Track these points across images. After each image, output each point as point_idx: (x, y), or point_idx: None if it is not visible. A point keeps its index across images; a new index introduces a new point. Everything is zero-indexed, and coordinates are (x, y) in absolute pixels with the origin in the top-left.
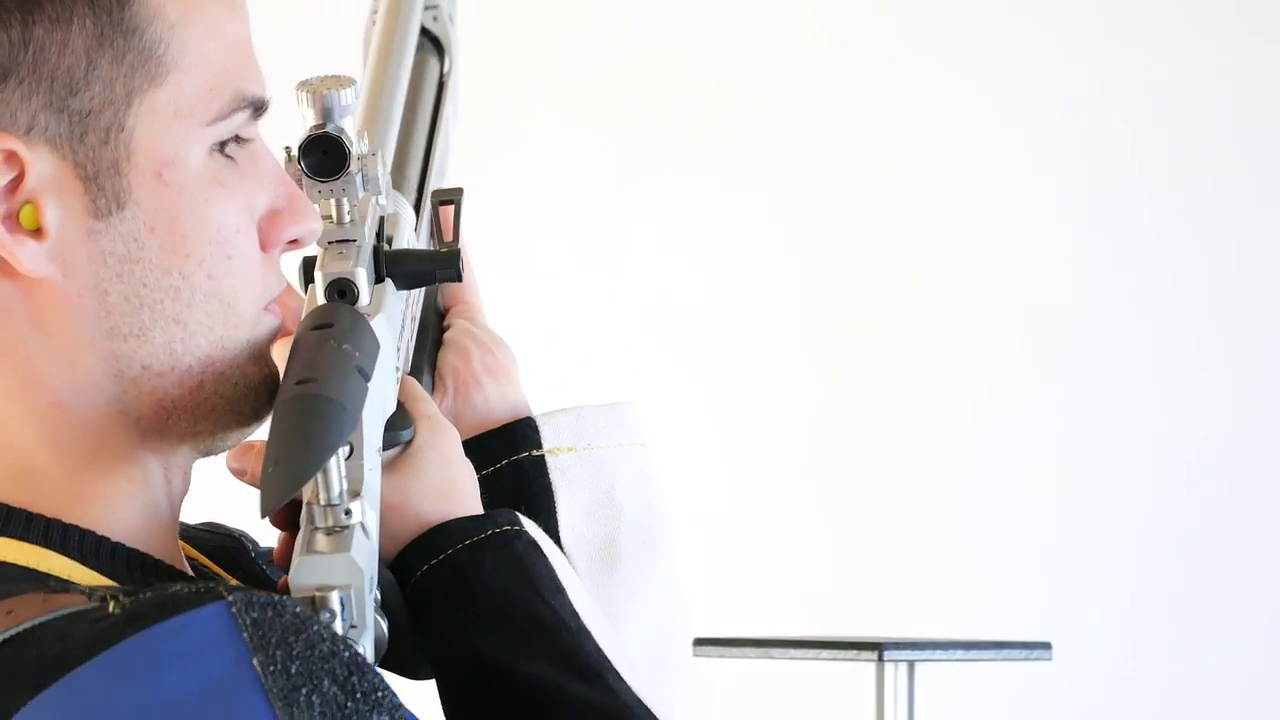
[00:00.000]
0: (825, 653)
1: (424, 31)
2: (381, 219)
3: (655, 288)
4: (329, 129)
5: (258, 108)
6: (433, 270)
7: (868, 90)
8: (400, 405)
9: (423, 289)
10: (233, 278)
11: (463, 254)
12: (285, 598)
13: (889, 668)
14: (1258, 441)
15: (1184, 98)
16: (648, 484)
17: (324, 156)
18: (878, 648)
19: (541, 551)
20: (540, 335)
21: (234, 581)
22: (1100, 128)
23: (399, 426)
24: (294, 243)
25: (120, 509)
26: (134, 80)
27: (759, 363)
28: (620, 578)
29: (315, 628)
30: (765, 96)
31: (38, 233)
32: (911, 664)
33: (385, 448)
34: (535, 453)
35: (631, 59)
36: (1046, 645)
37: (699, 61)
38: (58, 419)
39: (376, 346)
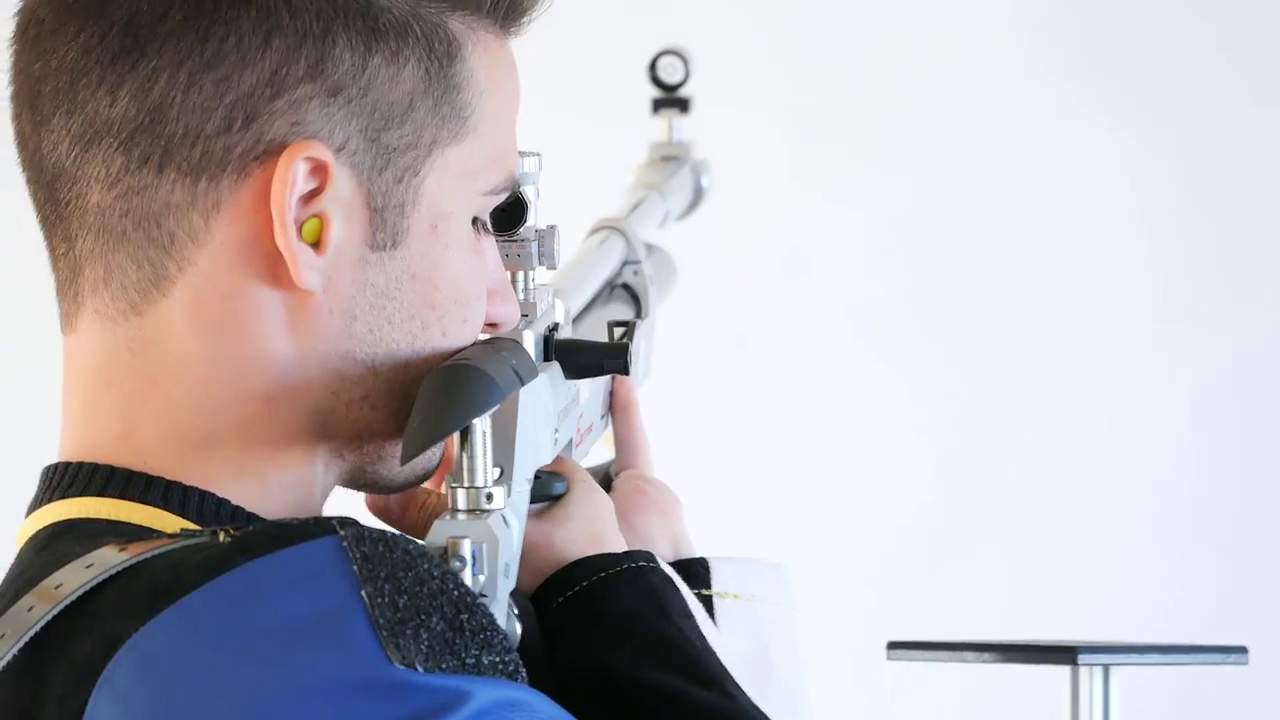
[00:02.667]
0: (1018, 656)
1: (624, 286)
2: (556, 324)
3: (850, 290)
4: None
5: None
6: (601, 361)
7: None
8: (557, 471)
9: (598, 398)
10: (458, 341)
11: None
12: (399, 534)
13: (1084, 672)
14: None
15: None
16: (797, 648)
17: (502, 214)
18: (1072, 651)
19: (675, 585)
20: (731, 338)
21: None
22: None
23: (553, 482)
24: (493, 325)
25: (272, 496)
26: (440, 132)
27: (913, 365)
28: None
29: (425, 565)
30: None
31: (316, 246)
32: (1106, 668)
33: (536, 499)
34: (705, 591)
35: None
36: (1243, 649)
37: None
38: (256, 409)
39: (533, 370)
